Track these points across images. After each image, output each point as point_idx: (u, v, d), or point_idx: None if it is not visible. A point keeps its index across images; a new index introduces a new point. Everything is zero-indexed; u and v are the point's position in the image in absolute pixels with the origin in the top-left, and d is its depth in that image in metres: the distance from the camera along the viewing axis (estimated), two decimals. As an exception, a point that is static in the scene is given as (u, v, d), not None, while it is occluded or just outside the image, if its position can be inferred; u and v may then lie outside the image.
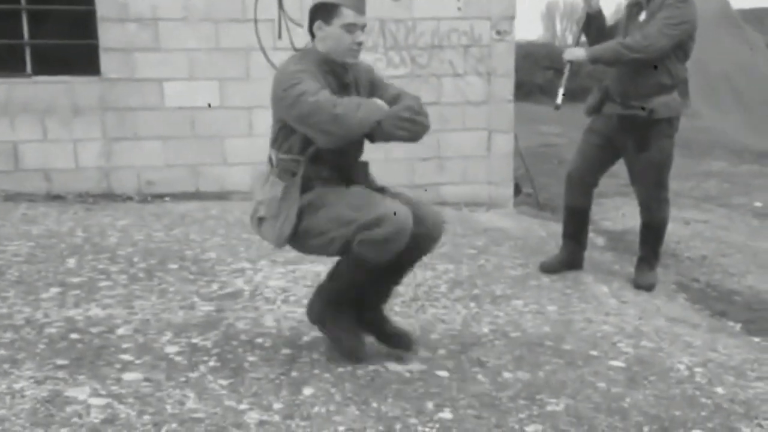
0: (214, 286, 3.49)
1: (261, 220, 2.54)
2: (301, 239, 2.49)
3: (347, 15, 2.40)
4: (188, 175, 5.61)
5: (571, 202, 4.03)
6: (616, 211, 6.59)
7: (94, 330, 2.83)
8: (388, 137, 2.38)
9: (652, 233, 3.96)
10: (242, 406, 2.22)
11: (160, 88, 5.42)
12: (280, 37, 5.52)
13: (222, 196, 5.64)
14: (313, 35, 2.49)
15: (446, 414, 2.21)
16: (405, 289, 3.48)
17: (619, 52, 3.55)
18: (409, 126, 2.37)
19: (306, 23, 2.54)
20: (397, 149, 5.75)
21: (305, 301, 3.30)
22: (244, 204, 5.56)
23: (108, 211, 5.14)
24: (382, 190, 2.57)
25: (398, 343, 2.64)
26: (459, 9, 5.63)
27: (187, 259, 3.95)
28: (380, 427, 2.10)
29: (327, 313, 2.57)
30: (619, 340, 2.98)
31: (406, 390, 2.38)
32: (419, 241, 2.45)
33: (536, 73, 24.55)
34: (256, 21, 5.48)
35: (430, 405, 2.27)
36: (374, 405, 2.25)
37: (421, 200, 2.64)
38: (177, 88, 5.42)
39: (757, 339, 3.25)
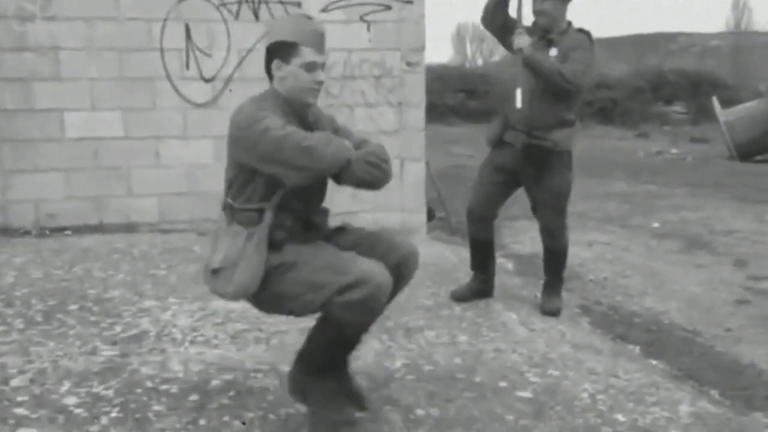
0: (117, 328, 3.36)
1: (215, 271, 2.35)
2: (270, 301, 2.33)
3: (306, 53, 2.32)
4: (91, 207, 5.41)
5: (474, 235, 4.12)
6: (525, 234, 6.78)
7: (-15, 382, 2.68)
8: (354, 179, 2.28)
9: (555, 259, 4.09)
10: (145, 461, 2.15)
11: (60, 119, 5.22)
12: (188, 67, 5.43)
13: (128, 228, 5.46)
14: (270, 75, 2.39)
15: (357, 458, 2.21)
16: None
17: (555, 75, 3.65)
18: (375, 171, 2.27)
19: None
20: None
21: (214, 341, 3.25)
22: (151, 236, 5.42)
23: (5, 248, 4.89)
24: (342, 229, 2.51)
25: (354, 402, 2.52)
26: (369, 40, 5.70)
27: (88, 298, 3.79)
28: (290, 476, 2.08)
29: (310, 387, 2.39)
30: (527, 370, 3.04)
31: (317, 433, 2.36)
32: (398, 272, 2.35)
33: (448, 95, 25.24)
34: (162, 50, 5.37)
35: (340, 449, 2.26)
36: (284, 452, 2.22)
37: (384, 231, 2.57)
38: (79, 119, 5.23)
39: (654, 362, 3.39)
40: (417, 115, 5.87)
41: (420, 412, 2.57)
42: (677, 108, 26.36)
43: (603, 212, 7.89)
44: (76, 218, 5.37)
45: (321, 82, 2.36)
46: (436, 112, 20.86)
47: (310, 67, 2.32)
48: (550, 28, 3.81)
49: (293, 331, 3.37)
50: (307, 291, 2.22)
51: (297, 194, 2.33)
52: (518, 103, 3.76)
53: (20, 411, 2.44)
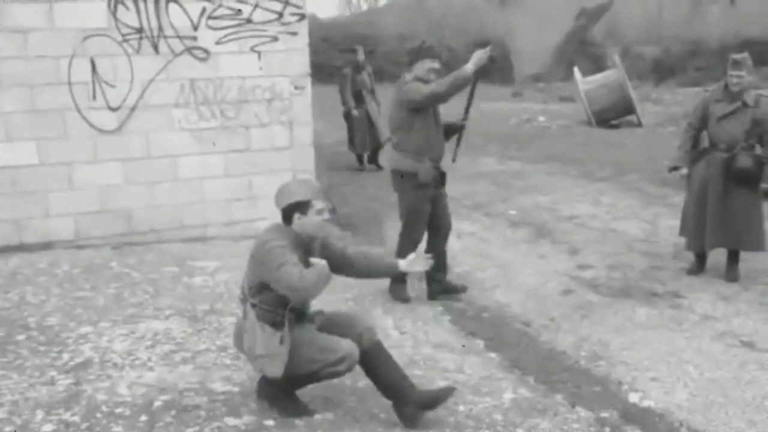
0: (66, 357, 4.08)
1: (259, 356, 3.31)
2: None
3: (317, 204, 3.36)
4: (12, 229, 5.93)
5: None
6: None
7: (-29, 417, 3.37)
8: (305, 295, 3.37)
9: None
10: (119, 474, 2.96)
11: (-23, 151, 5.70)
12: (94, 98, 5.98)
13: (46, 246, 6.03)
14: (288, 221, 3.38)
15: (274, 458, 3.12)
16: (232, 341, 4.30)
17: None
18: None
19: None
20: (211, 193, 6.50)
21: (149, 364, 4.03)
22: (70, 253, 6.01)
23: (-66, 274, 5.37)
24: (320, 313, 3.59)
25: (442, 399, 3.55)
26: (260, 68, 6.43)
27: (31, 327, 4.46)
28: (228, 478, 2.96)
29: (280, 399, 3.49)
30: (397, 372, 4.03)
31: (243, 441, 3.25)
32: (369, 353, 3.46)
33: (335, 56, 25.79)
34: (70, 84, 5.89)
35: (261, 452, 3.16)
36: (221, 459, 3.10)
37: (349, 315, 3.70)
38: (-5, 150, 5.73)
39: (493, 354, 4.47)
40: (306, 132, 6.70)
41: (318, 416, 3.49)
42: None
43: (472, 198, 8.98)
44: (-1, 239, 5.89)
45: (328, 219, 3.42)
46: (323, 72, 21.44)
47: (320, 212, 3.37)
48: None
49: (213, 350, 4.21)
50: (308, 363, 3.33)
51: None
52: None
53: (11, 441, 3.18)
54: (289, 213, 3.38)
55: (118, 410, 3.49)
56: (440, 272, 5.36)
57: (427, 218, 5.27)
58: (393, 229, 7.62)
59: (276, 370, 3.29)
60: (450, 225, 5.44)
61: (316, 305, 3.64)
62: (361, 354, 3.38)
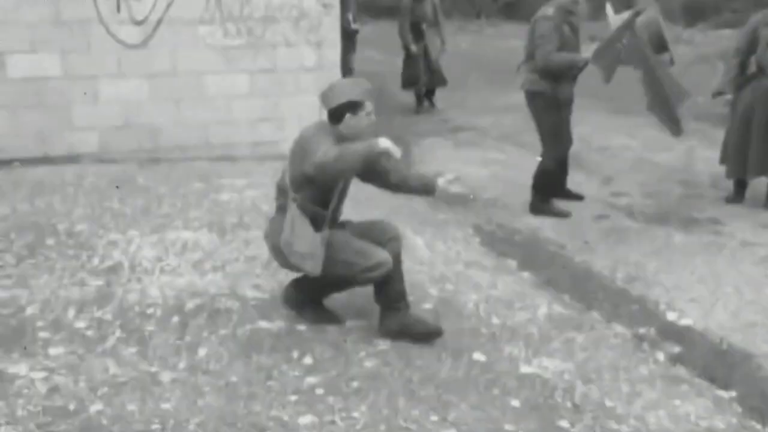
0: (95, 261, 4.05)
1: (297, 252, 3.20)
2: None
3: (368, 106, 3.23)
4: (36, 142, 5.87)
5: None
6: (433, 152, 7.66)
7: (4, 311, 3.36)
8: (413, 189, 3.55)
9: None
10: (154, 369, 2.94)
11: (1, 61, 5.58)
12: (119, 11, 5.83)
13: (72, 159, 5.98)
14: (337, 120, 3.22)
15: (308, 359, 3.08)
16: (261, 251, 4.24)
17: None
18: (428, 183, 3.47)
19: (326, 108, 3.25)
20: (237, 112, 6.39)
21: (179, 270, 3.99)
22: (94, 167, 5.96)
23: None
24: (349, 222, 3.46)
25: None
26: (288, -16, 6.23)
27: (61, 233, 4.43)
28: (262, 375, 2.92)
29: (307, 303, 3.44)
30: (430, 286, 3.97)
31: (276, 344, 3.20)
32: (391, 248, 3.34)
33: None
34: (95, -5, 5.75)
35: (295, 354, 3.12)
36: (254, 358, 3.06)
37: (378, 223, 3.53)
38: (20, 61, 5.61)
39: (526, 274, 4.39)
40: (334, 52, 6.53)
41: (350, 323, 3.44)
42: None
43: (500, 129, 8.80)
44: (23, 151, 5.83)
45: (375, 121, 3.30)
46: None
47: (370, 115, 3.25)
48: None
49: (241, 260, 4.16)
50: (344, 265, 3.21)
51: (336, 199, 3.30)
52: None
53: (44, 334, 3.16)
54: (339, 113, 3.22)
55: (150, 311, 3.47)
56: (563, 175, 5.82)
57: (567, 133, 5.61)
58: (418, 156, 7.53)
59: (315, 267, 3.19)
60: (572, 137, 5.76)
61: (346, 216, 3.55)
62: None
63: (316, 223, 3.22)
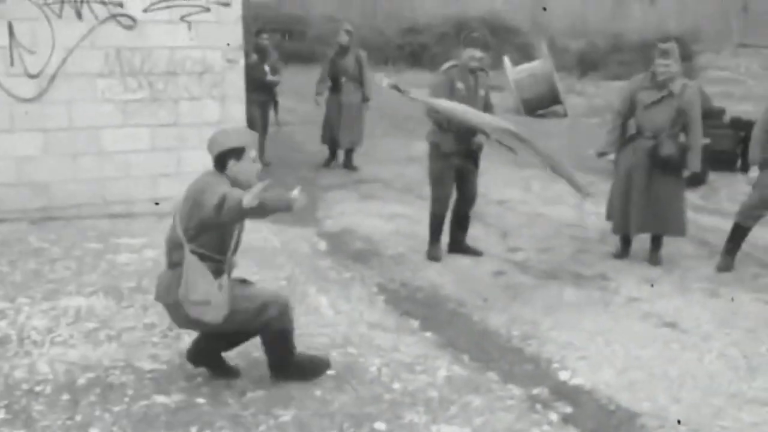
0: (-20, 333, 3.85)
1: (194, 302, 3.20)
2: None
3: (252, 152, 3.34)
4: None
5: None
6: (337, 206, 7.71)
7: None
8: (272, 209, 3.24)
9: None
10: (41, 454, 2.82)
11: None
12: (12, 64, 5.65)
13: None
14: (222, 168, 3.30)
15: (206, 437, 3.03)
16: (160, 318, 4.15)
17: None
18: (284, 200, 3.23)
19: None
20: (136, 168, 6.26)
21: (72, 341, 3.85)
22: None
23: None
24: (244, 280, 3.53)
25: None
26: (191, 39, 6.22)
27: (-57, 303, 4.19)
28: (158, 457, 2.85)
29: (213, 361, 3.58)
30: (332, 350, 3.98)
31: (173, 419, 3.14)
32: None
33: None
34: (-14, 48, 5.55)
35: (193, 430, 3.06)
36: (150, 437, 2.99)
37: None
38: None
39: (428, 334, 4.48)
40: (238, 108, 6.53)
41: (250, 394, 3.41)
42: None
43: (403, 180, 8.96)
44: None
45: (260, 169, 3.41)
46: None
47: (255, 161, 3.32)
48: (476, 71, 5.67)
49: (139, 328, 4.05)
50: (238, 317, 3.33)
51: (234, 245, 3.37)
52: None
53: None
54: (223, 159, 3.30)
55: (39, 388, 3.33)
56: (457, 233, 6.04)
57: (448, 181, 5.82)
58: (322, 209, 7.57)
59: (216, 315, 3.22)
60: (473, 194, 6.02)
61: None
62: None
63: (215, 271, 3.24)
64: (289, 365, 3.53)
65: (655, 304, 5.01)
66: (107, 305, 4.33)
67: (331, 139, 9.32)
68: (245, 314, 3.32)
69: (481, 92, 5.73)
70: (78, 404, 3.20)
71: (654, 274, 5.61)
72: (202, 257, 3.23)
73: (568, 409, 3.56)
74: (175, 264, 3.29)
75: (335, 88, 9.16)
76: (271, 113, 9.16)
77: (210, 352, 3.54)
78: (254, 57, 8.44)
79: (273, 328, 3.40)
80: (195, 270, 3.20)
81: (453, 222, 6.07)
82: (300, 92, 12.35)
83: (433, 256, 5.88)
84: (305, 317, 4.44)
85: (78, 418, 3.10)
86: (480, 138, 5.64)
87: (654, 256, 5.86)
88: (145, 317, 4.19)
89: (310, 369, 3.60)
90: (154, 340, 3.92)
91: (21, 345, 3.75)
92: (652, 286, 5.32)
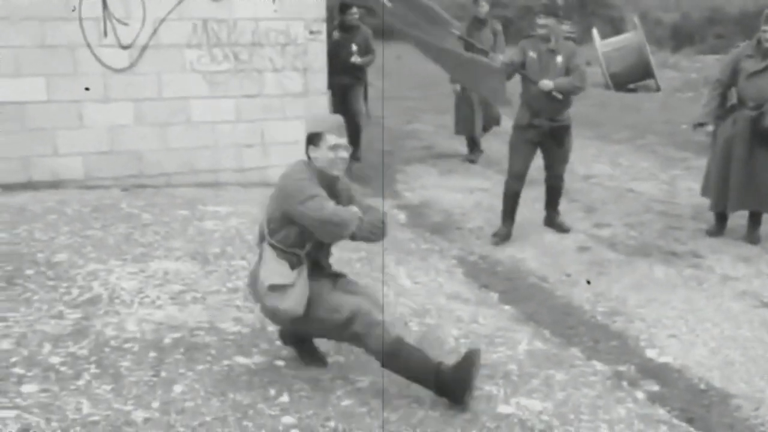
0: (74, 292, 4.01)
1: (272, 287, 3.09)
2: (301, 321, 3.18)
3: (331, 139, 3.13)
4: (19, 166, 5.84)
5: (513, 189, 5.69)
6: (416, 180, 7.67)
7: (-22, 346, 3.32)
8: (363, 238, 3.16)
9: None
10: (127, 407, 2.90)
11: (-14, 85, 5.57)
12: (105, 35, 5.83)
13: (55, 185, 5.95)
14: (306, 150, 3.20)
15: (285, 398, 3.05)
16: (244, 283, 4.22)
17: (575, 89, 5.42)
18: (375, 235, 3.17)
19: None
20: (222, 138, 6.39)
21: (159, 302, 3.96)
22: (77, 192, 5.92)
23: (-59, 208, 5.30)
24: (342, 276, 3.36)
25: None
26: (275, 11, 6.26)
27: (40, 263, 4.38)
28: (238, 414, 2.90)
29: (300, 345, 3.42)
30: (410, 320, 3.96)
31: (253, 380, 3.18)
32: None
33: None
34: (81, 19, 5.74)
35: (272, 391, 3.09)
36: (231, 396, 3.03)
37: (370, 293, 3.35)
38: (3, 84, 5.59)
39: (507, 307, 4.40)
40: (320, 79, 6.54)
41: (330, 360, 3.43)
42: (566, 27, 27.80)
43: (485, 156, 8.83)
44: (5, 177, 5.79)
45: (344, 158, 3.17)
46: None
47: (334, 149, 3.13)
48: (549, 38, 5.35)
49: (223, 291, 4.13)
50: (318, 323, 3.14)
51: (315, 243, 3.18)
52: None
53: (17, 370, 3.12)
54: (306, 143, 3.22)
55: (127, 345, 3.43)
56: (547, 207, 6.01)
57: (520, 156, 5.66)
58: (402, 182, 7.53)
59: (293, 305, 3.06)
60: (557, 172, 5.85)
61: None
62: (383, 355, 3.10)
63: (293, 263, 3.16)
64: (430, 375, 3.10)
65: (752, 283, 4.75)
66: (193, 269, 4.43)
67: (463, 124, 8.34)
68: (331, 324, 3.12)
69: (558, 59, 5.40)
70: (163, 362, 3.29)
71: (751, 252, 5.32)
72: (281, 252, 3.15)
73: (655, 388, 3.43)
74: (260, 255, 3.26)
75: None
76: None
77: (302, 335, 3.41)
78: (336, 35, 7.62)
79: (371, 345, 3.08)
80: (272, 258, 3.14)
81: (545, 196, 6.06)
82: (378, 67, 12.41)
83: (496, 234, 5.69)
84: (384, 287, 4.43)
85: (163, 374, 3.18)
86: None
87: (752, 234, 5.55)
88: (228, 281, 4.27)
89: (459, 376, 3.09)
90: (238, 303, 3.99)
91: (111, 305, 3.88)
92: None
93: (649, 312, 4.32)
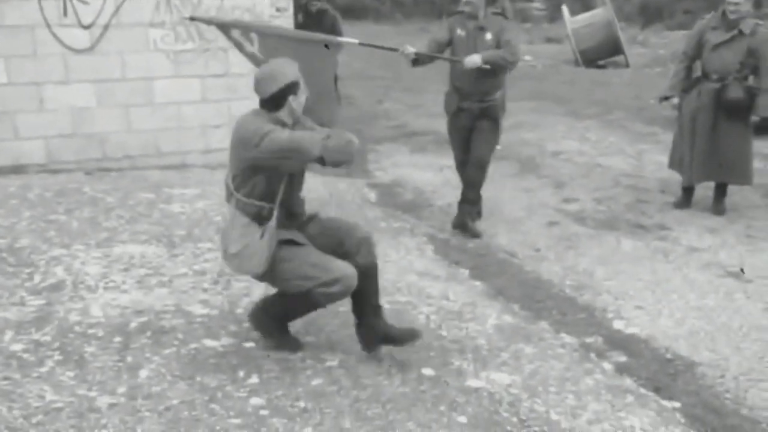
0: (37, 278, 3.94)
1: (234, 254, 3.09)
2: (269, 279, 3.18)
3: (302, 84, 3.08)
4: (-21, 152, 5.71)
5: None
6: (388, 158, 7.64)
7: (-63, 336, 3.24)
8: (332, 163, 3.01)
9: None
10: (92, 393, 2.86)
11: (-60, 68, 5.41)
12: (65, 14, 5.68)
13: (17, 170, 5.82)
14: (277, 106, 3.06)
15: (254, 379, 3.03)
16: (211, 265, 4.19)
17: (505, 63, 4.98)
18: (345, 151, 2.99)
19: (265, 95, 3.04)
20: (191, 118, 6.28)
21: (124, 287, 3.91)
22: (40, 177, 5.81)
23: None
24: (312, 218, 3.29)
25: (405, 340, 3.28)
26: (239, -13, 6.14)
27: (2, 249, 4.30)
28: (205, 397, 2.87)
29: (273, 326, 3.28)
30: (381, 298, 3.93)
31: (221, 363, 3.15)
32: (363, 270, 3.14)
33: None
34: (39, -1, 5.60)
35: (241, 373, 3.07)
36: (198, 379, 3.00)
37: (347, 223, 3.36)
38: (-40, 67, 5.45)
39: (477, 283, 4.40)
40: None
41: (301, 339, 3.41)
42: (537, 5, 27.78)
43: (456, 132, 8.82)
44: (-36, 162, 5.66)
45: (300, 103, 3.12)
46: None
47: (304, 92, 3.12)
48: (476, 15, 5.00)
49: (190, 275, 4.08)
50: (302, 279, 3.06)
51: (285, 190, 3.09)
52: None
53: (-22, 359, 3.06)
54: (281, 97, 3.05)
55: (92, 331, 3.38)
56: (462, 202, 5.41)
57: (457, 143, 5.42)
58: (373, 162, 7.50)
59: (255, 266, 3.04)
60: (477, 156, 5.32)
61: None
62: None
63: (261, 219, 3.09)
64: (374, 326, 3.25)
65: (718, 254, 4.81)
66: (159, 252, 4.38)
67: None
68: (304, 283, 3.07)
69: (488, 36, 5.03)
70: (128, 347, 3.24)
71: (717, 223, 5.39)
72: (246, 205, 3.10)
73: (623, 358, 3.46)
74: (230, 214, 3.19)
75: None
76: None
77: (276, 321, 3.31)
78: (300, 18, 7.33)
79: (322, 301, 3.13)
80: (236, 221, 3.10)
81: (461, 190, 5.43)
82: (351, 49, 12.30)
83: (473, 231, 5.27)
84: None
85: (129, 359, 3.14)
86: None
87: (718, 206, 5.62)
88: (195, 264, 4.22)
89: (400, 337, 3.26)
90: (205, 286, 3.94)
91: (75, 290, 3.82)
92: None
93: (617, 285, 4.36)
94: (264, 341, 3.30)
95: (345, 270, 3.07)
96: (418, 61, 4.98)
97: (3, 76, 5.63)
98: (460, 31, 5.10)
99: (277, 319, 3.29)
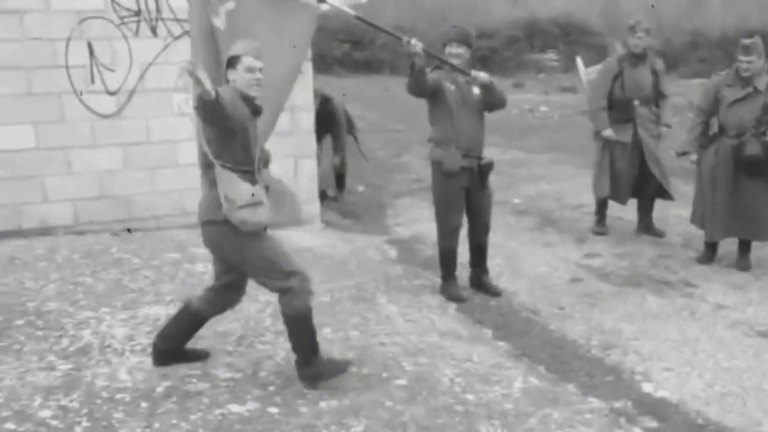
0: (65, 342, 3.98)
1: (241, 207, 3.28)
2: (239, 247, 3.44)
3: (246, 61, 3.32)
4: (9, 215, 5.82)
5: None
6: (406, 213, 7.68)
7: (-33, 402, 3.27)
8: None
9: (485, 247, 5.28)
10: (120, 462, 2.87)
11: (-28, 134, 5.58)
12: (92, 81, 5.86)
13: (45, 231, 5.92)
14: (227, 78, 3.40)
15: (280, 446, 3.02)
16: (233, 326, 4.21)
17: (503, 94, 5.00)
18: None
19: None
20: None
21: (150, 350, 3.93)
22: (67, 239, 5.90)
23: (-71, 259, 5.26)
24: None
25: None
26: (262, 54, 6.29)
27: (30, 312, 4.35)
28: (232, 466, 2.86)
29: (172, 356, 3.73)
30: (403, 360, 3.93)
31: (247, 429, 3.15)
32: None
33: (334, 47, 25.91)
34: (67, 67, 5.77)
35: (267, 440, 3.06)
36: (225, 447, 3.00)
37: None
38: (-8, 133, 5.61)
39: (501, 343, 4.38)
40: (307, 118, 6.57)
41: (323, 404, 3.39)
42: (551, 56, 28.12)
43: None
44: (-5, 225, 5.77)
45: (258, 80, 3.36)
46: (323, 63, 21.38)
47: (251, 71, 3.33)
48: (466, 68, 4.86)
49: (210, 336, 4.10)
50: (262, 263, 3.42)
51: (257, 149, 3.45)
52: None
53: (8, 426, 3.08)
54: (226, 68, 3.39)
55: (119, 396, 3.39)
56: (475, 266, 5.30)
57: (456, 208, 5.04)
58: (392, 217, 7.54)
59: (265, 215, 3.33)
60: (486, 222, 5.16)
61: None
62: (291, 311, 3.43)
63: (248, 182, 3.34)
64: (314, 355, 3.55)
65: (745, 311, 4.75)
66: (184, 314, 4.40)
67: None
68: (272, 267, 3.38)
69: (476, 91, 4.90)
70: (155, 413, 3.25)
71: (742, 279, 5.33)
72: (233, 171, 3.32)
73: (653, 424, 3.40)
74: (212, 183, 3.39)
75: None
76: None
77: (177, 336, 3.70)
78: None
79: (294, 303, 3.40)
80: (231, 179, 3.29)
81: (470, 255, 5.28)
82: (366, 100, 12.46)
83: (450, 295, 5.05)
84: (376, 326, 4.41)
85: (156, 425, 3.14)
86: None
87: (742, 261, 5.57)
88: (219, 326, 4.24)
89: (336, 367, 3.62)
90: (229, 348, 3.96)
91: (102, 354, 3.85)
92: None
93: (644, 344, 4.31)
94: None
95: (303, 270, 3.45)
96: (414, 65, 4.58)
97: (32, 141, 5.78)
98: (449, 85, 4.88)
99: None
